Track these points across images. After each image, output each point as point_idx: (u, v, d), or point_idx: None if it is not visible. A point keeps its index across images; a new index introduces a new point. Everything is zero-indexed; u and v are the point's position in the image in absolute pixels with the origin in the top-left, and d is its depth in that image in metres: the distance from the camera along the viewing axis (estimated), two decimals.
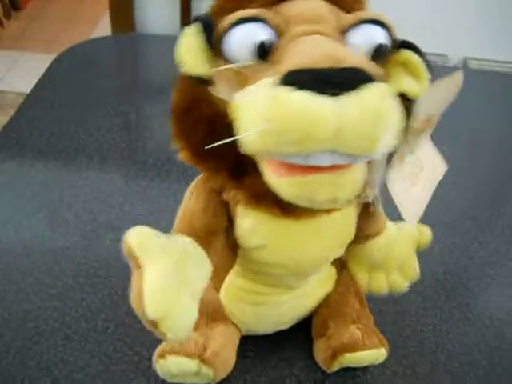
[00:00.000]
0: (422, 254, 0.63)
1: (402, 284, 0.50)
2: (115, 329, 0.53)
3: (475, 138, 0.84)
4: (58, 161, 0.72)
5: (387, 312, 0.58)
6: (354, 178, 0.33)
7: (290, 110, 0.29)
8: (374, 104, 0.30)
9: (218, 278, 0.48)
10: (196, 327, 0.47)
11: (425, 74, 0.37)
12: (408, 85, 0.36)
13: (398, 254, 0.48)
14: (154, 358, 0.47)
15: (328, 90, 0.29)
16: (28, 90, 0.84)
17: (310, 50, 0.32)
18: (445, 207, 0.71)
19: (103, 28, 2.18)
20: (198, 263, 0.39)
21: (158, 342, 0.47)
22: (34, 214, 0.64)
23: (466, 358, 0.54)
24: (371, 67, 0.31)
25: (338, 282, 0.53)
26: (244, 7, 0.34)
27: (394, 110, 0.31)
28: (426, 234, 0.48)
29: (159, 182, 0.69)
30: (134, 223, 0.64)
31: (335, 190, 0.33)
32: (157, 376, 0.47)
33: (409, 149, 0.40)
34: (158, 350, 0.46)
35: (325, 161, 0.31)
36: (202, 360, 0.46)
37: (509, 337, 0.56)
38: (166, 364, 0.46)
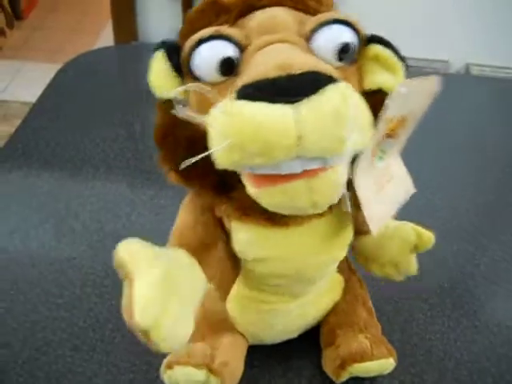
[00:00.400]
0: (428, 262, 0.63)
1: (396, 277, 0.50)
2: (123, 338, 0.53)
3: (477, 145, 0.84)
4: (64, 171, 0.72)
5: (395, 320, 0.58)
6: (329, 180, 0.33)
7: (246, 123, 0.30)
8: (333, 105, 0.30)
9: (222, 288, 0.48)
10: (203, 337, 0.48)
11: (397, 65, 0.37)
12: (382, 79, 0.37)
13: (387, 254, 0.48)
14: (162, 368, 0.47)
15: (282, 97, 0.29)
16: (32, 100, 0.84)
17: (264, 61, 0.32)
18: (449, 214, 0.71)
19: (106, 38, 2.19)
20: (190, 273, 0.39)
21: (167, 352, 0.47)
22: (41, 224, 0.64)
23: (474, 366, 0.54)
24: (328, 69, 0.31)
25: (345, 290, 0.53)
26: (209, 26, 0.35)
27: (358, 108, 0.31)
28: (426, 237, 0.47)
29: (166, 190, 0.69)
30: (141, 232, 0.64)
31: (312, 194, 0.33)
32: None
33: (380, 151, 0.39)
34: (165, 361, 0.46)
35: (295, 167, 0.31)
36: (210, 370, 0.46)
37: None
38: (174, 374, 0.46)
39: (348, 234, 0.44)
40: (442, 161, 0.80)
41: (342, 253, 0.45)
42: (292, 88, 0.30)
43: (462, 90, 0.97)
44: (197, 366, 0.46)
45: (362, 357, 0.48)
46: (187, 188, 0.40)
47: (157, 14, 1.73)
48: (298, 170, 0.32)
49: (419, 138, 0.82)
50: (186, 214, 0.42)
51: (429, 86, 0.39)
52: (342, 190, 0.35)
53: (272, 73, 0.30)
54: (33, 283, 0.58)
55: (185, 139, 0.36)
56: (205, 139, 0.33)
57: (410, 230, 0.47)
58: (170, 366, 0.46)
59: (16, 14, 2.41)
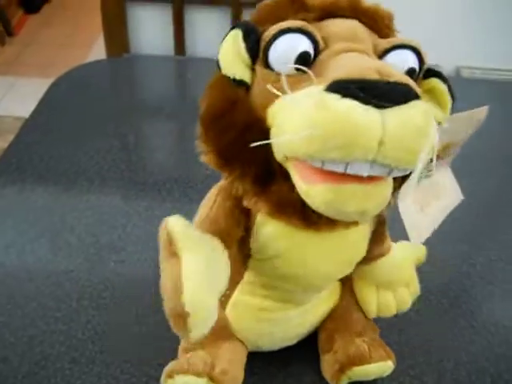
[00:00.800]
0: (425, 263, 0.63)
1: (408, 300, 0.51)
2: (122, 350, 0.53)
3: (472, 147, 0.85)
4: (59, 185, 0.72)
5: (392, 323, 0.57)
6: (384, 192, 0.34)
7: (336, 116, 0.30)
8: (417, 120, 0.31)
9: (224, 295, 0.48)
10: (203, 345, 0.48)
11: (449, 103, 0.38)
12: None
13: (405, 273, 0.49)
14: (163, 378, 0.46)
15: (374, 100, 0.30)
16: (25, 115, 0.85)
17: (356, 63, 0.33)
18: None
19: (98, 51, 2.20)
20: (223, 264, 0.39)
21: (166, 362, 0.47)
22: (37, 238, 0.64)
23: (472, 366, 0.54)
24: (415, 86, 0.32)
25: (342, 296, 0.53)
26: (285, 20, 0.36)
27: (434, 129, 0.32)
28: (422, 249, 0.50)
29: (160, 201, 0.69)
30: (137, 244, 0.65)
31: (366, 202, 0.34)
32: None
33: (425, 172, 0.40)
34: (165, 370, 0.46)
35: (364, 170, 0.32)
36: (211, 378, 0.46)
37: None
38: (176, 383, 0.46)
39: (362, 253, 0.45)
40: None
41: (350, 269, 0.46)
42: (387, 94, 0.31)
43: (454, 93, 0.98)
44: (197, 374, 0.45)
45: (360, 360, 0.49)
46: (223, 172, 0.39)
47: (148, 26, 1.73)
48: (365, 173, 0.32)
49: None
50: (218, 204, 0.41)
51: (477, 117, 0.40)
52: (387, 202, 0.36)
53: (370, 75, 0.31)
54: (30, 297, 0.58)
55: (243, 123, 0.36)
56: (262, 127, 0.34)
57: (409, 246, 0.50)
58: (170, 376, 0.46)
59: (7, 30, 2.41)
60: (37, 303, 0.57)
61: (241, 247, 0.43)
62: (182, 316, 0.33)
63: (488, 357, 0.55)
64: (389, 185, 0.35)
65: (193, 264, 0.34)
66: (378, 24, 0.39)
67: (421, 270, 0.63)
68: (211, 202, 0.42)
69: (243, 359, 0.50)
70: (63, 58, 2.28)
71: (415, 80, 0.37)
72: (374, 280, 0.51)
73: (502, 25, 1.69)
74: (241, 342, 0.50)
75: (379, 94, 0.30)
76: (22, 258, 0.62)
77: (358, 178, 0.32)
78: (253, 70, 0.37)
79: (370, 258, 0.47)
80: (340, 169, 0.32)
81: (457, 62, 1.80)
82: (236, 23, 0.37)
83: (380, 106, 0.30)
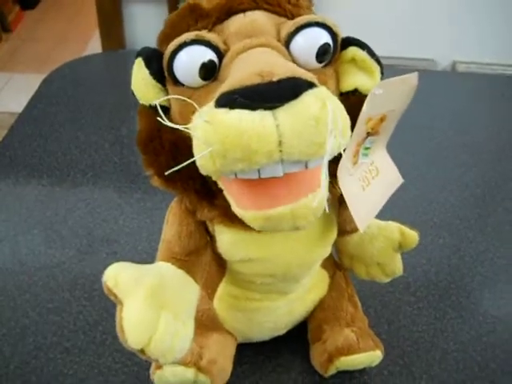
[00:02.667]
0: (414, 255, 0.64)
1: (382, 278, 0.50)
2: (113, 340, 0.54)
3: (464, 140, 0.85)
4: (52, 178, 0.73)
5: (382, 313, 0.58)
6: (312, 205, 0.33)
7: (228, 129, 0.30)
8: (311, 110, 0.31)
9: (211, 287, 0.49)
10: None
11: (374, 67, 0.38)
12: (359, 80, 0.38)
13: (371, 253, 0.48)
14: (152, 369, 0.47)
15: (262, 104, 0.30)
16: (20, 110, 0.85)
17: (243, 68, 0.33)
18: (435, 208, 0.72)
19: (94, 47, 2.20)
20: (179, 285, 0.40)
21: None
22: (30, 230, 0.65)
23: (460, 356, 0.55)
24: (306, 74, 0.32)
25: (331, 286, 0.53)
26: (188, 31, 0.36)
27: (337, 112, 0.32)
28: (410, 236, 0.47)
29: (152, 194, 0.70)
30: (129, 236, 0.66)
31: (296, 220, 0.34)
32: None
33: (363, 149, 0.40)
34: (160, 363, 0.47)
35: (277, 171, 0.32)
36: (199, 368, 0.46)
37: (501, 332, 0.57)
38: (164, 374, 0.46)
39: (332, 233, 0.45)
40: (428, 156, 0.81)
41: (326, 251, 0.46)
42: (272, 94, 0.30)
43: (449, 87, 0.98)
44: (185, 364, 0.46)
45: (348, 350, 0.49)
46: (171, 193, 0.40)
47: (143, 21, 1.73)
48: (280, 173, 0.32)
49: (407, 134, 0.84)
50: (170, 225, 0.43)
51: (408, 84, 0.40)
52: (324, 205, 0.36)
53: (251, 80, 0.31)
54: (22, 289, 0.58)
55: (169, 143, 0.37)
56: (188, 144, 0.34)
57: (395, 229, 0.48)
58: (159, 367, 0.47)
59: (3, 26, 2.41)
60: (29, 294, 0.58)
61: (214, 249, 0.44)
62: (140, 352, 0.35)
63: (475, 346, 0.56)
64: (317, 196, 0.34)
65: (130, 308, 0.35)
66: (282, 6, 0.38)
67: (411, 262, 0.64)
68: (165, 223, 0.43)
69: (232, 350, 0.51)
70: (59, 54, 2.28)
71: (334, 53, 0.37)
72: (343, 252, 0.51)
73: (498, 20, 1.70)
74: (230, 333, 0.51)
75: (265, 96, 0.30)
76: (14, 250, 0.62)
77: (286, 198, 0.33)
78: (167, 90, 0.37)
79: (338, 232, 0.46)
80: (254, 176, 0.32)
81: (453, 56, 1.81)
82: (137, 52, 0.38)
83: (269, 107, 0.30)
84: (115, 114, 0.85)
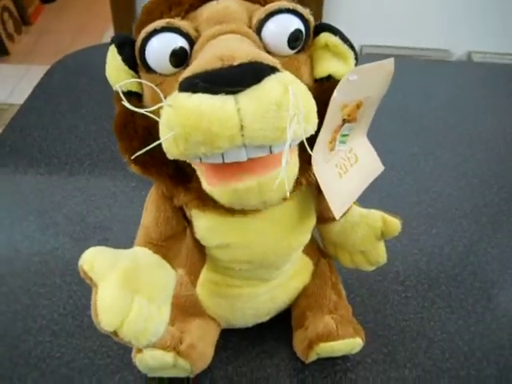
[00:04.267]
0: (406, 244, 0.64)
1: (366, 267, 0.51)
2: None
3: (464, 130, 0.84)
4: (50, 166, 0.74)
5: (369, 301, 0.58)
6: (280, 177, 0.34)
7: (189, 113, 0.31)
8: (273, 95, 0.31)
9: (193, 274, 0.50)
10: (173, 322, 0.49)
11: (347, 53, 0.38)
12: (332, 66, 0.37)
13: (354, 241, 0.48)
14: (133, 353, 0.48)
15: (223, 88, 0.30)
16: None
17: (207, 53, 0.33)
18: (430, 198, 0.71)
19: (109, 39, 2.22)
20: (154, 269, 0.40)
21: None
22: (26, 217, 0.66)
23: (446, 345, 0.54)
24: (269, 59, 0.32)
25: (315, 274, 0.54)
26: (162, 19, 0.36)
27: (301, 97, 0.32)
28: (392, 224, 0.47)
29: (147, 183, 0.70)
30: (122, 223, 0.66)
31: (263, 194, 0.35)
32: None
33: (341, 136, 0.40)
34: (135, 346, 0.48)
35: (240, 156, 0.32)
36: (178, 352, 0.47)
37: (489, 322, 0.56)
38: (144, 358, 0.47)
39: (310, 220, 0.45)
40: (426, 146, 0.80)
41: (304, 238, 0.46)
42: (233, 79, 0.31)
43: (463, 77, 0.97)
44: (164, 348, 0.47)
45: (327, 337, 0.49)
46: (148, 178, 0.41)
47: None
48: (244, 158, 0.33)
49: (407, 124, 0.83)
50: (148, 211, 0.43)
51: (385, 70, 0.39)
52: (291, 184, 0.37)
53: (212, 64, 0.31)
54: (16, 274, 0.60)
55: (142, 129, 0.37)
56: (158, 128, 0.34)
57: (377, 217, 0.48)
58: (139, 350, 0.47)
59: (24, 19, 2.45)
60: (22, 280, 0.59)
61: (193, 235, 0.44)
62: (113, 334, 0.35)
63: (463, 336, 0.55)
64: (291, 166, 0.35)
65: (103, 290, 0.35)
66: None
67: (402, 251, 0.64)
68: (144, 210, 0.44)
69: (214, 336, 0.51)
70: (78, 46, 2.30)
71: (306, 40, 0.37)
72: (327, 240, 0.51)
73: None
74: (213, 319, 0.51)
75: (226, 80, 0.30)
76: (10, 236, 0.64)
77: (253, 169, 0.33)
78: (140, 77, 0.38)
79: (319, 218, 0.47)
80: (218, 160, 0.33)
81: (468, 46, 1.78)
82: (111, 39, 0.38)
83: (231, 92, 0.30)
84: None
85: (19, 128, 0.80)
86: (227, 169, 0.34)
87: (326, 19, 1.70)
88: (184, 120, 0.31)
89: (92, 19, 2.54)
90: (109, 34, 2.31)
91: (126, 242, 0.62)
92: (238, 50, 0.32)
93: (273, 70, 0.32)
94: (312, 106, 0.34)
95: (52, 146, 0.77)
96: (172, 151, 0.33)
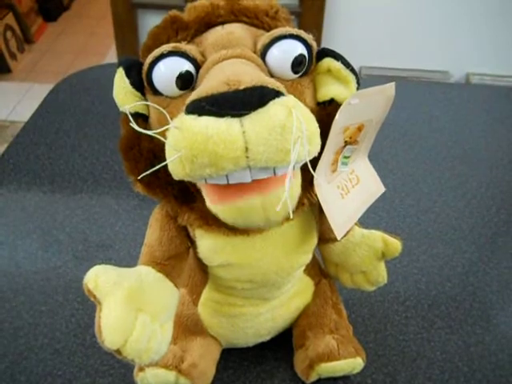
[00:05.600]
0: (406, 265, 0.64)
1: (367, 287, 0.51)
2: None
3: (462, 151, 0.85)
4: (53, 184, 0.74)
5: (369, 321, 0.59)
6: (283, 195, 0.34)
7: (195, 136, 0.32)
8: (277, 118, 0.32)
9: (195, 293, 0.50)
10: (175, 341, 0.49)
11: (349, 77, 0.39)
12: (334, 90, 0.38)
13: (355, 262, 0.49)
14: (135, 371, 0.48)
15: (229, 112, 0.31)
16: None
17: (213, 77, 0.34)
18: (430, 218, 0.72)
19: (111, 59, 2.24)
20: (158, 288, 0.41)
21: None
22: (29, 235, 0.67)
23: (446, 365, 0.55)
24: (274, 83, 0.33)
25: (315, 294, 0.54)
26: (169, 43, 0.37)
27: (304, 120, 0.33)
28: (393, 245, 0.48)
29: (149, 201, 0.71)
30: (125, 242, 0.67)
31: (266, 212, 0.35)
32: None
33: (343, 158, 0.41)
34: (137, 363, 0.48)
35: (245, 178, 0.33)
36: (179, 371, 0.47)
37: (489, 343, 0.57)
38: (146, 376, 0.47)
39: (312, 240, 0.46)
40: (426, 167, 0.81)
41: (305, 258, 0.46)
42: (239, 102, 0.32)
43: (462, 99, 0.98)
44: (166, 367, 0.47)
45: (328, 357, 0.49)
46: (153, 198, 0.41)
47: None
48: (248, 179, 0.33)
49: (406, 144, 0.84)
50: (152, 230, 0.44)
51: (385, 94, 0.40)
52: (294, 204, 0.37)
53: (218, 88, 0.32)
54: (18, 291, 0.60)
55: (147, 151, 0.38)
56: (165, 151, 0.35)
57: (378, 238, 0.48)
58: (141, 369, 0.48)
59: (26, 38, 2.47)
60: (24, 297, 0.59)
61: (196, 254, 0.45)
62: (116, 352, 0.36)
63: (462, 356, 0.55)
64: (294, 186, 0.36)
65: (107, 308, 0.36)
66: (260, 19, 0.39)
67: (402, 271, 0.64)
68: (148, 228, 0.44)
69: (215, 355, 0.52)
70: (79, 65, 2.33)
71: (309, 64, 0.38)
72: (328, 260, 0.52)
73: (511, 32, 1.69)
74: (214, 338, 0.52)
75: (232, 104, 0.31)
76: (12, 254, 0.64)
77: (256, 188, 0.34)
78: (146, 99, 0.39)
79: (321, 238, 0.47)
80: (222, 181, 0.33)
81: (466, 68, 1.80)
82: (118, 62, 0.39)
83: (236, 115, 0.31)
84: (118, 123, 0.87)
85: (23, 146, 0.81)
86: (231, 187, 0.35)
87: (325, 40, 1.72)
88: (190, 142, 0.32)
89: (94, 39, 2.56)
90: (111, 53, 2.33)
91: (128, 261, 0.64)
92: (244, 74, 0.33)
93: (277, 93, 0.32)
94: (315, 128, 0.35)
95: (55, 165, 0.78)
96: (178, 172, 0.34)
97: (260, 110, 0.32)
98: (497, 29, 1.70)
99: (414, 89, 1.01)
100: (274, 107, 0.32)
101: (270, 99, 0.32)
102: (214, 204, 0.36)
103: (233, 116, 0.31)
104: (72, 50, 2.48)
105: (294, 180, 0.36)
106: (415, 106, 0.95)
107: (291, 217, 0.36)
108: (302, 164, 0.35)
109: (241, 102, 0.32)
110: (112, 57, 2.23)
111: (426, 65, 1.78)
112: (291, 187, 0.35)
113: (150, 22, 1.74)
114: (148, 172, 0.37)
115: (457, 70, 1.81)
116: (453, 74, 1.81)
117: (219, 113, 0.31)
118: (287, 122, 0.32)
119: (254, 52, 0.38)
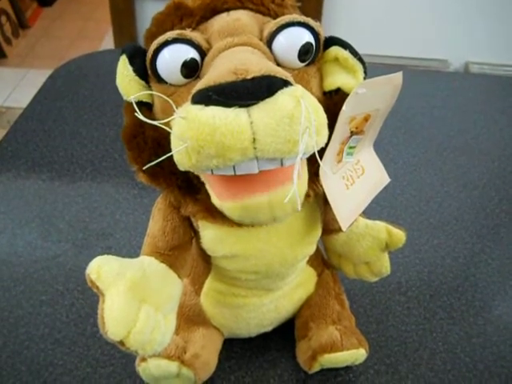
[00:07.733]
0: (408, 255, 0.64)
1: (370, 278, 0.51)
2: None
3: (465, 141, 0.85)
4: (52, 172, 0.74)
5: (372, 312, 0.58)
6: (289, 193, 0.34)
7: (202, 126, 0.31)
8: (285, 108, 0.31)
9: (198, 283, 0.50)
10: (177, 331, 0.49)
11: (356, 66, 0.38)
12: (341, 79, 0.38)
13: (358, 253, 0.49)
14: (137, 361, 0.48)
15: (236, 102, 0.31)
16: None
17: (220, 66, 0.33)
18: (432, 209, 0.71)
19: (109, 43, 2.22)
20: (161, 279, 0.40)
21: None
22: (28, 223, 0.66)
23: (448, 356, 0.55)
24: (282, 73, 0.32)
25: (318, 284, 0.54)
26: (173, 30, 0.37)
27: (312, 110, 0.32)
28: (397, 236, 0.47)
29: (150, 190, 0.70)
30: (125, 231, 0.66)
31: (273, 210, 0.35)
32: None
33: (348, 148, 0.40)
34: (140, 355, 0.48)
35: (252, 168, 0.32)
36: (182, 362, 0.47)
37: (491, 334, 0.57)
38: (148, 367, 0.47)
39: (316, 231, 0.45)
40: (428, 157, 0.81)
41: (309, 249, 0.46)
42: (246, 92, 0.31)
43: (461, 88, 0.98)
44: (169, 357, 0.47)
45: (332, 348, 0.49)
46: (156, 188, 0.41)
47: None
48: (255, 170, 0.33)
49: (407, 134, 0.84)
50: (155, 220, 0.43)
51: (393, 83, 0.40)
52: (302, 199, 0.36)
53: (226, 77, 0.31)
54: (18, 280, 0.60)
55: (151, 140, 0.37)
56: (170, 140, 0.34)
57: (382, 229, 0.48)
58: (143, 359, 0.47)
59: (21, 23, 2.45)
60: (24, 286, 0.59)
61: (199, 244, 0.44)
62: (119, 343, 0.35)
63: (464, 347, 0.55)
64: (301, 181, 0.35)
65: (110, 299, 0.36)
66: (266, 5, 0.38)
67: (404, 262, 0.64)
68: (151, 218, 0.44)
69: (217, 345, 0.51)
70: (75, 50, 2.30)
71: (316, 53, 0.37)
72: (331, 251, 0.52)
73: (511, 20, 1.68)
74: (216, 328, 0.51)
75: (239, 94, 0.31)
76: (11, 243, 0.64)
77: (263, 187, 0.33)
78: (151, 87, 0.38)
79: (325, 229, 0.47)
80: (229, 172, 0.33)
81: (466, 57, 1.79)
82: (121, 49, 0.38)
83: (244, 105, 0.31)
84: (118, 110, 0.86)
85: (21, 133, 0.80)
86: (238, 183, 0.34)
87: (324, 28, 1.71)
88: (197, 133, 0.31)
89: (91, 23, 2.54)
90: (108, 38, 2.31)
91: (128, 249, 0.63)
92: (251, 63, 0.32)
93: (285, 83, 0.32)
94: (323, 119, 0.34)
95: (54, 152, 0.77)
96: (184, 163, 0.33)
97: (268, 100, 0.31)
98: (496, 17, 1.69)
99: (413, 77, 1.00)
100: (282, 97, 0.31)
101: (278, 89, 0.31)
102: (220, 201, 0.36)
103: (240, 106, 0.31)
104: (68, 35, 2.46)
105: (301, 180, 0.36)
106: (416, 95, 0.94)
107: (298, 210, 0.35)
108: (309, 155, 0.35)
109: (248, 92, 0.31)
110: (109, 42, 2.20)
111: (424, 53, 1.77)
112: (299, 182, 0.34)
113: (147, 7, 1.72)
114: (154, 163, 0.36)
115: (456, 58, 1.80)
116: (451, 62, 1.81)
117: (226, 103, 0.31)
118: (295, 113, 0.31)
119: (260, 39, 0.37)
